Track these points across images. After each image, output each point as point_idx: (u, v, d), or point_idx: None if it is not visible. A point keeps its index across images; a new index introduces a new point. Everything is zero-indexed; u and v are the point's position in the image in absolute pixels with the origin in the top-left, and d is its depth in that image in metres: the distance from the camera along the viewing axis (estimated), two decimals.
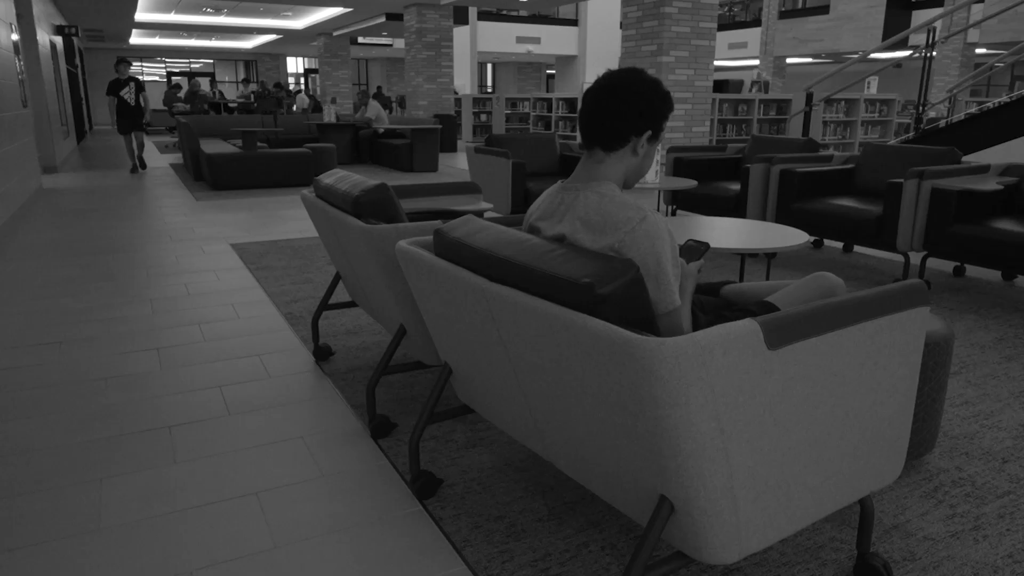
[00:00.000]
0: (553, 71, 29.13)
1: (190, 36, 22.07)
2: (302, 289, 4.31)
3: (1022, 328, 3.64)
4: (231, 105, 17.36)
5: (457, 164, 12.02)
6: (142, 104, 10.32)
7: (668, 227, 1.55)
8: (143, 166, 10.79)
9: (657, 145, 1.68)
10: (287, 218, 6.81)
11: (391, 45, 22.20)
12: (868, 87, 16.23)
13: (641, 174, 1.71)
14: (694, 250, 1.79)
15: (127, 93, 9.99)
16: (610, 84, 1.59)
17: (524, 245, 1.60)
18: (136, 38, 22.07)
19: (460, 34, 21.27)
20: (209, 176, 8.70)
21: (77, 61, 17.57)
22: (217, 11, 16.42)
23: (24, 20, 9.69)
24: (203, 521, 1.97)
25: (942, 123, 6.63)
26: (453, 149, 14.37)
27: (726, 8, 25.14)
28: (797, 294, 1.90)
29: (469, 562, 1.79)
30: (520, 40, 22.05)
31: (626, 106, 1.58)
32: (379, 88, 15.87)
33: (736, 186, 5.59)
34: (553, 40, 22.72)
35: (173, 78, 26.87)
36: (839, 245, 5.75)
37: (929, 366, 2.14)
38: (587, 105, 1.63)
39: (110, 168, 11.06)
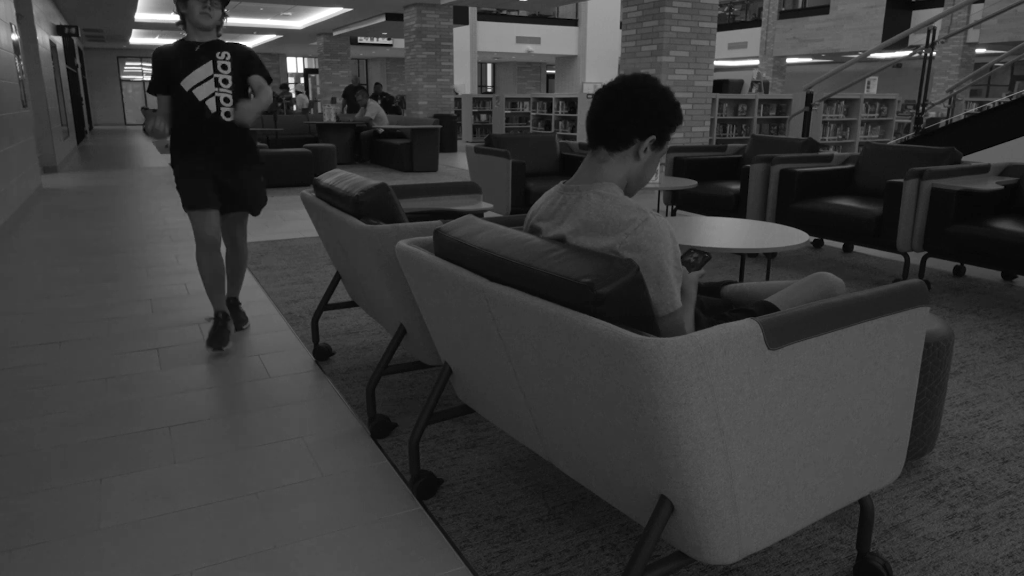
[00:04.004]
0: (553, 71, 29.12)
1: None
2: (302, 289, 4.31)
3: (1022, 328, 3.64)
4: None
5: (457, 164, 12.02)
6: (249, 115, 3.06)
7: (670, 228, 1.55)
8: (238, 321, 3.60)
9: (661, 154, 1.68)
10: (287, 218, 6.81)
11: (391, 45, 22.20)
12: (868, 87, 16.24)
13: (643, 182, 1.71)
14: (694, 262, 1.79)
15: (205, 87, 3.11)
16: (621, 85, 1.61)
17: (524, 245, 1.60)
18: (136, 38, 22.07)
19: (460, 34, 21.27)
20: None
21: (77, 61, 17.57)
22: None
23: (24, 20, 9.69)
24: (203, 521, 1.97)
25: (942, 123, 6.63)
26: (453, 149, 14.37)
27: (726, 8, 25.13)
28: (797, 294, 1.90)
29: (469, 562, 1.79)
30: (520, 40, 22.05)
31: (634, 107, 1.59)
32: (377, 85, 15.66)
33: (736, 186, 5.59)
34: (553, 40, 22.72)
35: None
36: (839, 245, 5.75)
37: (929, 366, 2.14)
38: (596, 104, 1.64)
39: (110, 168, 11.06)
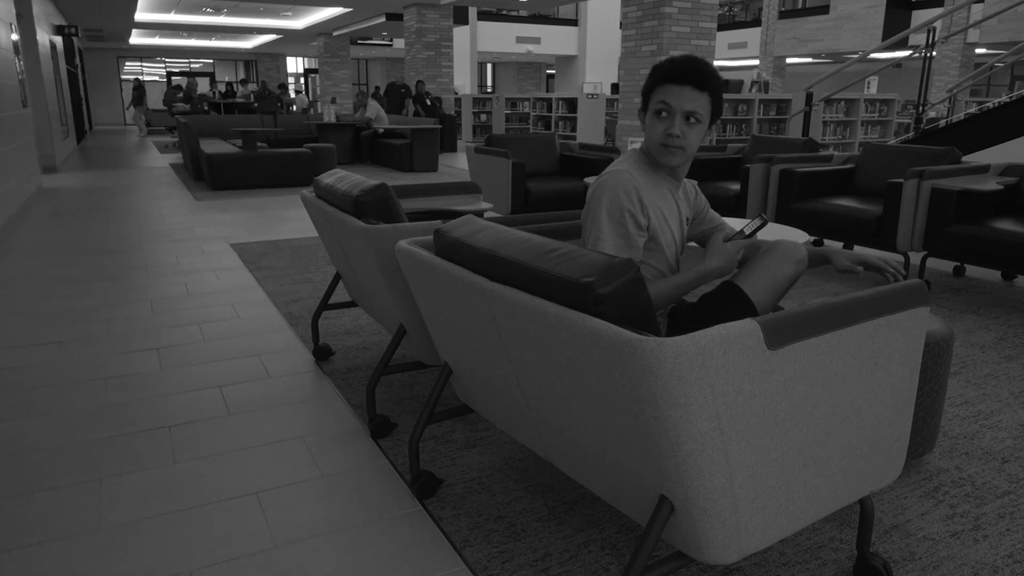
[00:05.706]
0: (553, 71, 29.12)
1: (190, 36, 22.06)
2: (302, 289, 4.31)
3: (1022, 328, 3.64)
4: (238, 101, 16.99)
5: (457, 164, 12.02)
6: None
7: (625, 187, 1.84)
8: None
9: (651, 116, 1.91)
10: (287, 218, 6.80)
11: (391, 45, 22.19)
12: (868, 87, 16.22)
13: (652, 142, 1.92)
14: (752, 225, 1.91)
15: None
16: None
17: (524, 245, 1.60)
18: (136, 38, 22.06)
19: (460, 34, 21.26)
20: (209, 176, 8.70)
21: (77, 61, 17.57)
22: (217, 11, 16.42)
23: (24, 20, 9.69)
24: (203, 521, 1.97)
25: (942, 123, 6.62)
26: (453, 149, 14.36)
27: (726, 8, 25.13)
28: (761, 268, 1.95)
29: (469, 562, 1.79)
30: (520, 40, 22.04)
31: None
32: (420, 84, 14.69)
33: (736, 186, 5.59)
34: (553, 40, 22.71)
35: (173, 78, 26.85)
36: (839, 245, 5.75)
37: (929, 366, 2.14)
38: None
39: (110, 168, 11.06)
